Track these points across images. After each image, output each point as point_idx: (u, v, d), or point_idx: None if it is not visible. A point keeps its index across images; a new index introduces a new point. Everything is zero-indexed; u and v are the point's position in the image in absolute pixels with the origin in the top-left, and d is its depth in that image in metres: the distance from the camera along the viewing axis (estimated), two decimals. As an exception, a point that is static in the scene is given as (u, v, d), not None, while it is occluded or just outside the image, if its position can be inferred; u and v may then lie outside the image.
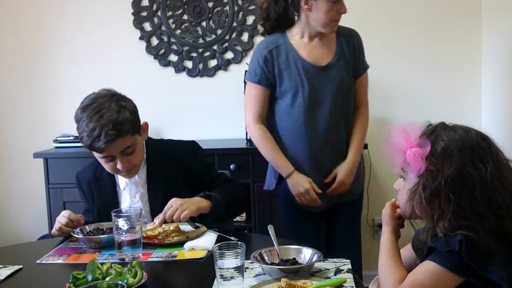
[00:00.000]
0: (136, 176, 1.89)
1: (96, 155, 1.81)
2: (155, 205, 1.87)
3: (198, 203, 1.76)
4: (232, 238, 1.65)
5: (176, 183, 1.89)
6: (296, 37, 2.14)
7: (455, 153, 1.12)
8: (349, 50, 2.16)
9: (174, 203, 1.71)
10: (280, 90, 2.13)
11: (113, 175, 1.92)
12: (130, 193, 1.91)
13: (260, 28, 2.30)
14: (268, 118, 2.21)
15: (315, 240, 2.17)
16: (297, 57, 2.11)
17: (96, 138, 1.70)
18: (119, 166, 1.79)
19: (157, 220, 1.72)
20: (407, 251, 1.33)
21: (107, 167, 1.83)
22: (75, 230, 1.75)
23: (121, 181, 1.93)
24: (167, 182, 1.89)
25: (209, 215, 1.80)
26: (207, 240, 1.67)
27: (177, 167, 1.91)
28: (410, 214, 1.22)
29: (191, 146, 2.01)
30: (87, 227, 1.79)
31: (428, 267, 1.10)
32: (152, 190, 1.90)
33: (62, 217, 1.78)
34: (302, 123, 2.11)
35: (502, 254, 1.08)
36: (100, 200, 1.94)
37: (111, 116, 1.72)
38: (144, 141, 1.91)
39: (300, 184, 2.10)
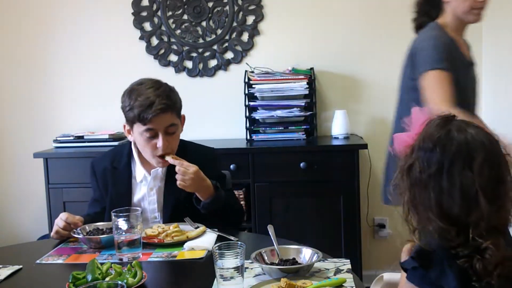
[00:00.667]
0: (158, 170, 1.91)
1: (140, 130, 1.81)
2: (168, 201, 1.90)
3: (206, 185, 1.82)
4: (232, 238, 1.65)
5: None
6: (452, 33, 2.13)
7: (416, 147, 1.13)
8: None
9: (187, 167, 1.78)
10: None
11: (130, 166, 1.95)
12: (148, 186, 1.92)
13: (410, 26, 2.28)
14: None
15: None
16: (460, 54, 2.14)
17: (149, 106, 1.76)
18: (159, 144, 1.81)
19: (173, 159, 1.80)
20: None
21: (147, 147, 1.83)
22: (75, 230, 1.75)
23: (139, 173, 1.94)
24: None
25: (204, 204, 1.82)
26: (207, 240, 1.67)
27: (197, 163, 1.93)
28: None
29: (211, 153, 2.05)
30: (87, 227, 1.78)
31: (404, 280, 1.13)
32: (169, 185, 1.91)
33: (60, 220, 1.77)
34: None
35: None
36: (114, 190, 1.94)
37: (165, 89, 1.83)
38: None
39: None
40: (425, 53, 2.05)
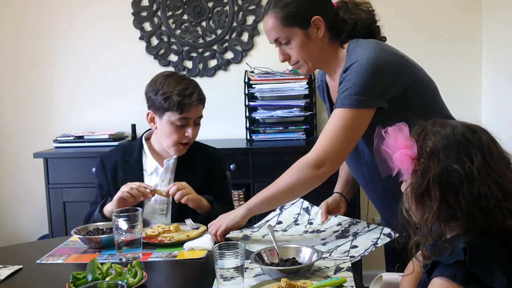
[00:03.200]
0: (171, 161, 1.98)
1: (174, 118, 1.89)
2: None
3: (201, 198, 1.87)
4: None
5: (200, 178, 1.98)
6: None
7: (441, 151, 1.11)
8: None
9: (185, 184, 1.84)
10: None
11: (141, 160, 2.00)
12: (160, 177, 1.98)
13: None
14: None
15: None
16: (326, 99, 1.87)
17: (189, 95, 1.87)
18: (188, 133, 1.91)
19: (169, 188, 1.83)
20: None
21: (175, 135, 1.91)
22: (75, 230, 1.75)
23: (149, 166, 1.99)
24: (193, 174, 1.98)
25: (202, 217, 1.87)
26: (207, 240, 1.67)
27: (202, 165, 2.02)
28: (410, 216, 1.21)
29: (217, 153, 2.14)
30: (87, 227, 1.79)
31: (438, 285, 1.07)
32: (179, 177, 1.96)
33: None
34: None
35: (500, 257, 1.07)
36: (125, 183, 1.93)
37: (196, 84, 1.95)
38: None
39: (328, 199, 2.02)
40: None
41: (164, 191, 1.84)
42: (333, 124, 1.55)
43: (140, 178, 1.97)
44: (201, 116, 1.97)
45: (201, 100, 1.93)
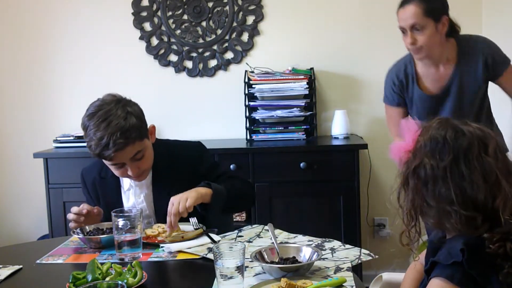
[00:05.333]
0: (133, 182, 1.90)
1: (107, 163, 1.80)
2: (160, 206, 1.85)
3: (197, 190, 1.73)
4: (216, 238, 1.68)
5: (181, 183, 1.81)
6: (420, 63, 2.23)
7: (423, 147, 1.14)
8: (472, 68, 2.16)
9: (173, 200, 1.70)
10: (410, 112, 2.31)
11: (116, 177, 1.90)
12: (135, 193, 1.91)
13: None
14: None
15: None
16: (416, 88, 2.22)
17: (105, 147, 1.69)
18: (129, 172, 1.78)
19: (168, 227, 1.69)
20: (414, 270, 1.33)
21: (117, 173, 1.82)
22: (75, 230, 1.75)
23: (125, 182, 1.92)
24: (172, 184, 1.84)
25: (212, 204, 1.76)
26: (198, 243, 1.66)
27: (183, 168, 1.90)
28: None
29: (197, 148, 2.01)
30: (87, 227, 1.78)
31: (436, 285, 1.08)
32: (157, 191, 1.89)
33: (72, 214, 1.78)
34: None
35: (497, 258, 1.07)
36: (104, 201, 1.94)
37: (118, 123, 1.70)
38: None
39: None
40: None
41: (169, 230, 1.71)
42: None
43: (118, 196, 1.92)
44: (139, 151, 1.77)
45: (124, 145, 1.70)
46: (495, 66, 2.15)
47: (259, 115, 2.96)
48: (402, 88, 2.26)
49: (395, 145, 1.22)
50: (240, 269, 1.27)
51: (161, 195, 1.87)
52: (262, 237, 1.72)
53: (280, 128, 2.95)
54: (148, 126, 1.85)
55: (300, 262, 1.41)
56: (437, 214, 1.11)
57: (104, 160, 1.79)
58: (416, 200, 1.13)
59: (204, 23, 3.19)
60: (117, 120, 1.71)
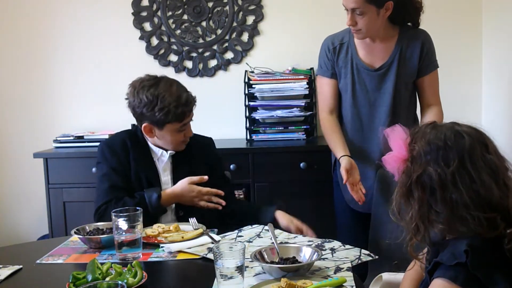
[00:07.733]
0: (166, 153, 1.99)
1: (176, 127, 1.90)
2: (179, 176, 1.96)
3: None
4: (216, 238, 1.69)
5: (198, 162, 2.02)
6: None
7: (424, 155, 1.12)
8: (410, 51, 2.12)
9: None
10: (339, 86, 2.21)
11: (147, 144, 1.99)
12: (162, 165, 2.00)
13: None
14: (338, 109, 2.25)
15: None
16: (355, 57, 2.15)
17: (185, 103, 1.88)
18: (188, 133, 1.97)
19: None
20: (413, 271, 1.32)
21: (178, 139, 1.94)
22: (75, 230, 1.75)
23: (156, 151, 2.00)
24: (190, 167, 1.99)
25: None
26: (198, 244, 1.66)
27: (199, 151, 2.05)
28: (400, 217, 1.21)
29: (211, 139, 2.18)
30: (87, 227, 1.79)
31: (439, 286, 1.07)
32: (176, 175, 1.98)
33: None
34: (356, 121, 2.17)
35: (501, 259, 1.07)
36: (136, 163, 1.95)
37: (181, 85, 1.95)
38: None
39: (343, 164, 2.03)
40: None
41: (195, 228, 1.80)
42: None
43: (151, 159, 1.97)
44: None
45: (195, 101, 1.95)
46: (426, 60, 2.12)
47: (259, 115, 2.96)
48: (336, 56, 2.18)
49: (388, 157, 1.19)
50: (240, 269, 1.28)
51: (181, 168, 1.99)
52: (262, 237, 1.73)
53: (280, 128, 2.95)
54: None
55: (300, 262, 1.41)
56: (447, 220, 1.09)
57: (176, 125, 1.89)
58: (422, 210, 1.11)
59: (204, 23, 3.19)
60: (177, 82, 1.94)
